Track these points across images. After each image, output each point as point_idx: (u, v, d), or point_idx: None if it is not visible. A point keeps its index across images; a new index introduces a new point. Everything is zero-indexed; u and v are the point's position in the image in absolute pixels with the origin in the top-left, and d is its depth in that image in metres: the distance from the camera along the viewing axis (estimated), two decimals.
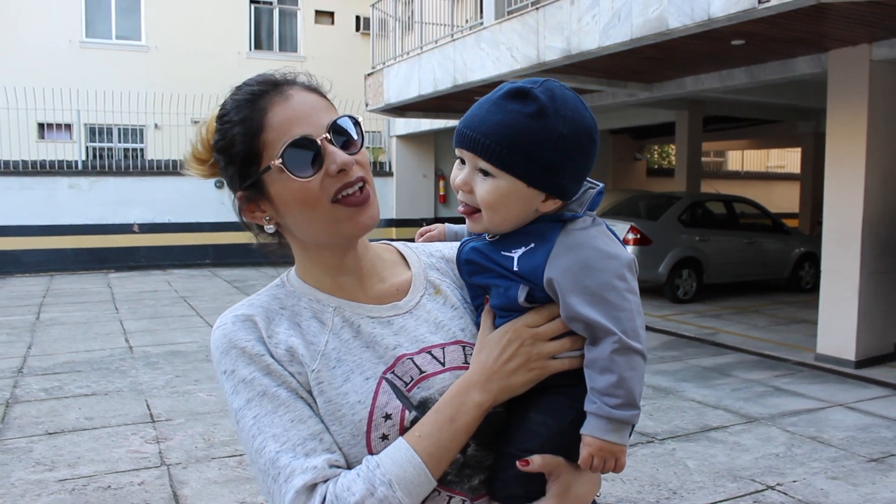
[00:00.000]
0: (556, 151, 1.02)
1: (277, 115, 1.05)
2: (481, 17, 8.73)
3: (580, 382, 1.06)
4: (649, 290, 11.84)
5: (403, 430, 1.04)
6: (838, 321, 6.99)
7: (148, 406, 5.66)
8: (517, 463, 1.03)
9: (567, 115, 1.03)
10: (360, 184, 1.07)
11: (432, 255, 1.28)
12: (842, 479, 4.37)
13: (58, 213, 14.28)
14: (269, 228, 1.11)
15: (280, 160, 1.04)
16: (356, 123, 1.10)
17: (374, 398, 1.05)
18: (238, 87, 1.11)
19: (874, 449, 4.87)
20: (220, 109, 1.11)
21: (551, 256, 1.03)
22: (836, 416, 5.58)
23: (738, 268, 11.47)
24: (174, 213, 15.14)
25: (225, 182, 1.14)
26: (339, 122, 1.07)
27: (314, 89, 1.11)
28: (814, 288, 10.48)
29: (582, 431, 1.03)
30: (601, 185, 1.11)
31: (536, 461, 1.03)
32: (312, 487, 0.99)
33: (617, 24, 6.29)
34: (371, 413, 1.04)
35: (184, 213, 15.20)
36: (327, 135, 1.06)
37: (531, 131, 1.02)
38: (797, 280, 11.99)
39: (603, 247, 1.04)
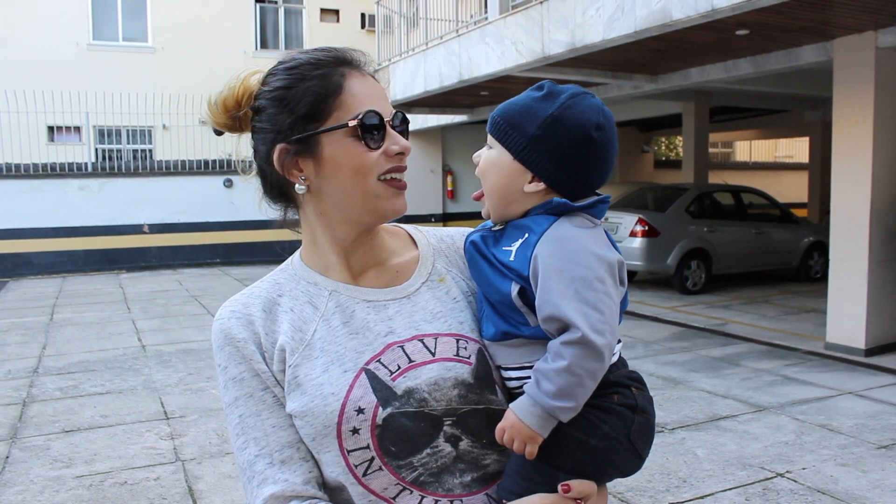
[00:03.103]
0: (541, 128, 1.07)
1: (356, 85, 1.10)
2: (486, 12, 8.75)
3: (609, 393, 1.07)
4: (658, 282, 11.85)
5: (375, 427, 1.04)
6: (847, 310, 6.99)
7: (162, 403, 5.72)
8: (559, 486, 1.02)
9: (569, 104, 1.08)
10: (401, 174, 1.13)
11: (443, 240, 1.27)
12: (851, 465, 4.38)
13: (69, 215, 14.39)
14: (301, 189, 1.10)
15: (358, 122, 1.07)
16: (405, 121, 1.16)
17: (349, 391, 1.05)
18: (315, 49, 1.13)
19: (884, 436, 4.89)
20: (284, 62, 1.12)
21: (540, 242, 1.05)
22: (846, 404, 5.59)
23: (747, 258, 11.45)
24: (184, 213, 15.22)
25: (261, 132, 1.12)
26: (399, 114, 1.13)
27: (377, 81, 1.16)
28: (823, 277, 10.46)
29: (511, 405, 1.04)
30: (608, 196, 1.13)
31: (576, 487, 1.02)
32: (283, 499, 1.05)
33: (621, 17, 6.29)
34: (343, 406, 1.04)
35: (193, 213, 15.29)
36: (391, 120, 1.11)
37: (528, 108, 1.10)
38: (806, 269, 11.96)
39: (590, 245, 1.05)
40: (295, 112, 1.08)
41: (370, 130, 1.08)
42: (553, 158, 1.08)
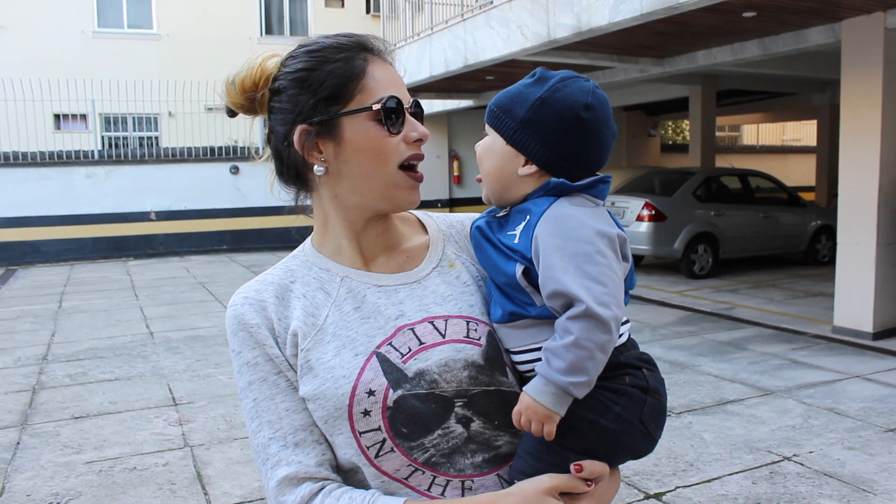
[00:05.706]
0: (530, 111, 1.09)
1: (378, 71, 1.12)
2: None
3: (620, 374, 1.07)
4: (665, 266, 11.83)
5: (386, 409, 1.05)
6: (855, 293, 6.97)
7: (170, 390, 5.75)
8: (571, 466, 1.03)
9: (558, 87, 1.10)
10: (419, 162, 1.14)
11: (453, 225, 1.28)
12: (858, 449, 4.38)
13: (76, 203, 14.43)
14: (319, 170, 1.11)
15: (382, 105, 1.08)
16: (421, 110, 1.17)
17: (360, 374, 1.06)
18: (337, 34, 1.15)
19: (891, 419, 4.88)
20: (306, 45, 1.13)
21: (540, 221, 1.06)
22: (853, 388, 5.58)
23: (754, 242, 11.41)
24: (190, 200, 15.25)
25: (280, 113, 1.12)
26: (416, 103, 1.14)
27: (396, 70, 1.17)
28: (830, 261, 10.42)
29: (524, 388, 1.04)
30: (608, 175, 1.13)
31: (588, 467, 1.03)
32: (296, 480, 1.06)
33: (627, 0, 6.25)
34: (354, 388, 1.05)
35: (200, 200, 15.32)
36: (409, 107, 1.13)
37: (519, 94, 1.12)
38: (814, 253, 11.92)
39: (589, 221, 1.05)
40: (317, 94, 1.09)
41: (392, 115, 1.09)
42: (543, 140, 1.09)
